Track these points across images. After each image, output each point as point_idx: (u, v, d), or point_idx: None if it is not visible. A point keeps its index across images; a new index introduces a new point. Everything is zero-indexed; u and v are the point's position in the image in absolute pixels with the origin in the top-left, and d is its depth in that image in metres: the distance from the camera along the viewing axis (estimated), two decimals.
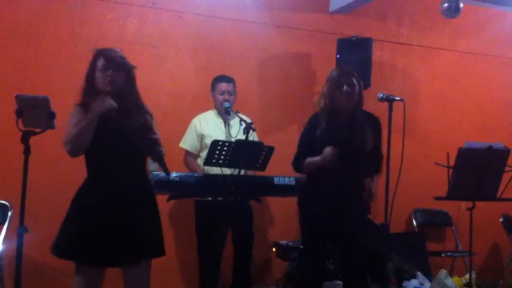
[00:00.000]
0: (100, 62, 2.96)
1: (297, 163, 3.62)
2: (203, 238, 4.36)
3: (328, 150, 3.37)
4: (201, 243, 4.38)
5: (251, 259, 4.46)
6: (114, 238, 2.88)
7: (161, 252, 3.08)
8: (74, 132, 2.88)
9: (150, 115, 3.09)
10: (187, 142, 4.52)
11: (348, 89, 3.43)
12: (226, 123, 4.47)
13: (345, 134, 3.44)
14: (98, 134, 2.91)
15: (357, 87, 3.47)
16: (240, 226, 4.25)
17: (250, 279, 4.47)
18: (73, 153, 2.94)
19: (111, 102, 2.89)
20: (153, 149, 3.02)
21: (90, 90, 2.99)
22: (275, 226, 5.21)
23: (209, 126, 4.48)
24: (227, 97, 4.41)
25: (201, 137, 4.46)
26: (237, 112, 4.29)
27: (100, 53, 3.00)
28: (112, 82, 2.95)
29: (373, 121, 3.57)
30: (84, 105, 2.97)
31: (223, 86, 4.45)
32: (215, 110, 4.54)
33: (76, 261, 2.93)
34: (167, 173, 3.13)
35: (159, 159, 3.05)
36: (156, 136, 3.04)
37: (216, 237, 4.26)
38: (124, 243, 2.90)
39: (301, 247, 4.10)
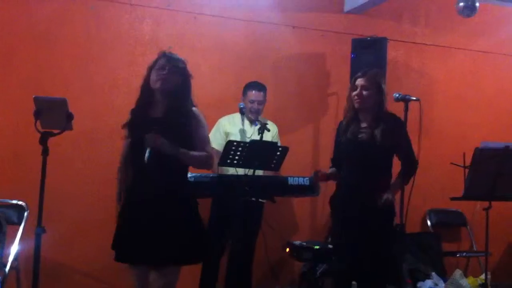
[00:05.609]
0: (161, 62, 3.01)
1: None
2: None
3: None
4: None
5: (250, 261, 4.45)
6: (152, 237, 2.86)
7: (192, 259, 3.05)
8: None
9: (197, 120, 3.08)
10: (214, 141, 4.46)
11: (359, 90, 3.46)
12: (252, 126, 4.48)
13: (365, 134, 3.45)
14: (140, 130, 2.92)
15: (372, 88, 3.46)
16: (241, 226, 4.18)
17: (249, 282, 4.46)
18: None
19: (162, 141, 2.87)
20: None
21: (145, 90, 3.05)
22: (289, 226, 5.21)
23: (235, 127, 4.50)
24: (256, 106, 4.45)
25: (227, 135, 4.48)
26: (265, 119, 4.30)
27: (164, 54, 3.06)
28: (164, 80, 2.97)
29: (393, 121, 3.50)
30: (134, 110, 3.06)
31: (253, 95, 4.49)
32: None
33: (124, 262, 2.96)
34: None
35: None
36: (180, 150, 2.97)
37: (214, 237, 4.24)
38: (162, 242, 2.86)
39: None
